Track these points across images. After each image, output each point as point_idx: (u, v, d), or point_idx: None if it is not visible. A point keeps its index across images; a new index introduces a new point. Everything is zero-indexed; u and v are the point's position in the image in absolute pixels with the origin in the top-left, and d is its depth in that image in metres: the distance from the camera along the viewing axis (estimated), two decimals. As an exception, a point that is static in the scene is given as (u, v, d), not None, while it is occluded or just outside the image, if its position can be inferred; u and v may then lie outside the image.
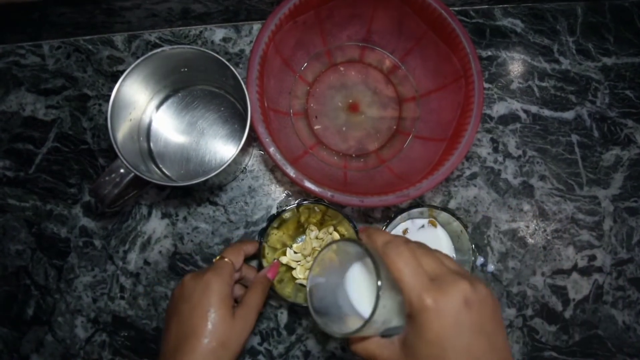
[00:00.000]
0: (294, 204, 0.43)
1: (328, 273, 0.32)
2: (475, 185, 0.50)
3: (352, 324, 0.28)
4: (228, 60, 0.39)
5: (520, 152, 0.51)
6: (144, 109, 0.45)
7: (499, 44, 0.53)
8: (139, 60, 0.39)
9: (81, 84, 0.50)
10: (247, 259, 0.45)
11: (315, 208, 0.44)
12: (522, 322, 0.48)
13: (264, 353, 0.46)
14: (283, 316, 0.46)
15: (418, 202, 0.49)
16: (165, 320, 0.36)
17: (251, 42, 0.51)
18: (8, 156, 0.48)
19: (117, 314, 0.46)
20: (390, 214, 0.47)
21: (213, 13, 0.50)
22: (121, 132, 0.40)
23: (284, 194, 0.49)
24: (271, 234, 0.43)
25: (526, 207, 0.50)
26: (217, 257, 0.38)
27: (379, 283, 0.26)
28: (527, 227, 0.50)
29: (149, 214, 0.47)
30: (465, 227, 0.43)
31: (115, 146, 0.37)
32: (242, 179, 0.49)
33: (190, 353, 0.32)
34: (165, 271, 0.47)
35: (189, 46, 0.41)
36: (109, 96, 0.38)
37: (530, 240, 0.49)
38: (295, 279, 0.45)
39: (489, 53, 0.53)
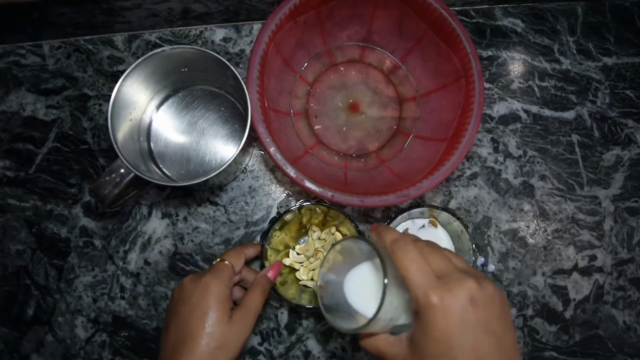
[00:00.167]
0: (295, 205, 0.43)
1: (338, 270, 0.32)
2: (475, 185, 0.50)
3: (361, 321, 0.28)
4: (228, 60, 0.39)
5: (520, 152, 0.51)
6: (144, 109, 0.45)
7: (499, 43, 0.53)
8: (139, 60, 0.39)
9: (81, 84, 0.50)
10: (249, 262, 0.45)
11: (317, 209, 0.44)
12: (523, 322, 0.48)
13: (264, 353, 0.46)
14: (283, 316, 0.46)
15: (418, 202, 0.49)
16: (165, 321, 0.37)
17: (251, 42, 0.51)
18: (8, 156, 0.48)
19: (117, 314, 0.46)
20: (390, 214, 0.47)
21: (213, 13, 0.50)
22: (121, 132, 0.40)
23: (285, 194, 0.49)
24: (273, 236, 0.43)
25: (527, 207, 0.50)
26: (218, 260, 0.38)
27: (385, 280, 0.26)
28: (528, 227, 0.50)
29: (149, 214, 0.47)
30: (466, 227, 0.43)
31: (115, 146, 0.37)
32: (243, 179, 0.48)
33: (189, 355, 0.32)
34: (166, 271, 0.47)
35: (189, 46, 0.41)
36: (109, 96, 0.38)
37: (530, 240, 0.49)
38: (299, 280, 0.45)
39: (490, 53, 0.53)
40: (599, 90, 0.53)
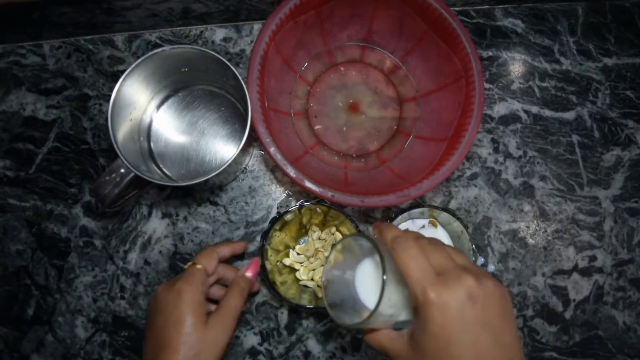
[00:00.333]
0: (295, 205, 0.43)
1: (342, 267, 0.33)
2: (475, 186, 0.50)
3: (364, 315, 0.28)
4: (228, 60, 0.39)
5: (520, 152, 0.51)
6: (145, 108, 0.45)
7: (499, 44, 0.53)
8: (139, 60, 0.39)
9: (82, 83, 0.50)
10: (236, 258, 0.45)
11: (317, 209, 0.44)
12: (523, 323, 0.48)
13: (264, 353, 0.46)
14: (283, 316, 0.46)
15: (419, 202, 0.49)
16: (144, 332, 0.37)
17: (252, 42, 0.51)
18: (8, 156, 0.48)
19: (117, 314, 0.46)
20: (390, 214, 0.47)
21: (214, 13, 0.50)
22: (122, 132, 0.40)
23: (285, 194, 0.49)
24: (273, 236, 0.43)
25: (527, 207, 0.50)
26: (190, 263, 0.38)
27: (384, 277, 0.27)
28: (528, 227, 0.50)
29: (150, 213, 0.47)
30: (466, 227, 0.43)
31: (115, 146, 0.37)
32: (243, 179, 0.48)
33: None
34: (166, 271, 0.47)
35: (189, 46, 0.41)
36: (110, 96, 0.38)
37: (530, 241, 0.49)
38: (299, 280, 0.45)
39: (490, 53, 0.53)
40: (599, 91, 0.53)
